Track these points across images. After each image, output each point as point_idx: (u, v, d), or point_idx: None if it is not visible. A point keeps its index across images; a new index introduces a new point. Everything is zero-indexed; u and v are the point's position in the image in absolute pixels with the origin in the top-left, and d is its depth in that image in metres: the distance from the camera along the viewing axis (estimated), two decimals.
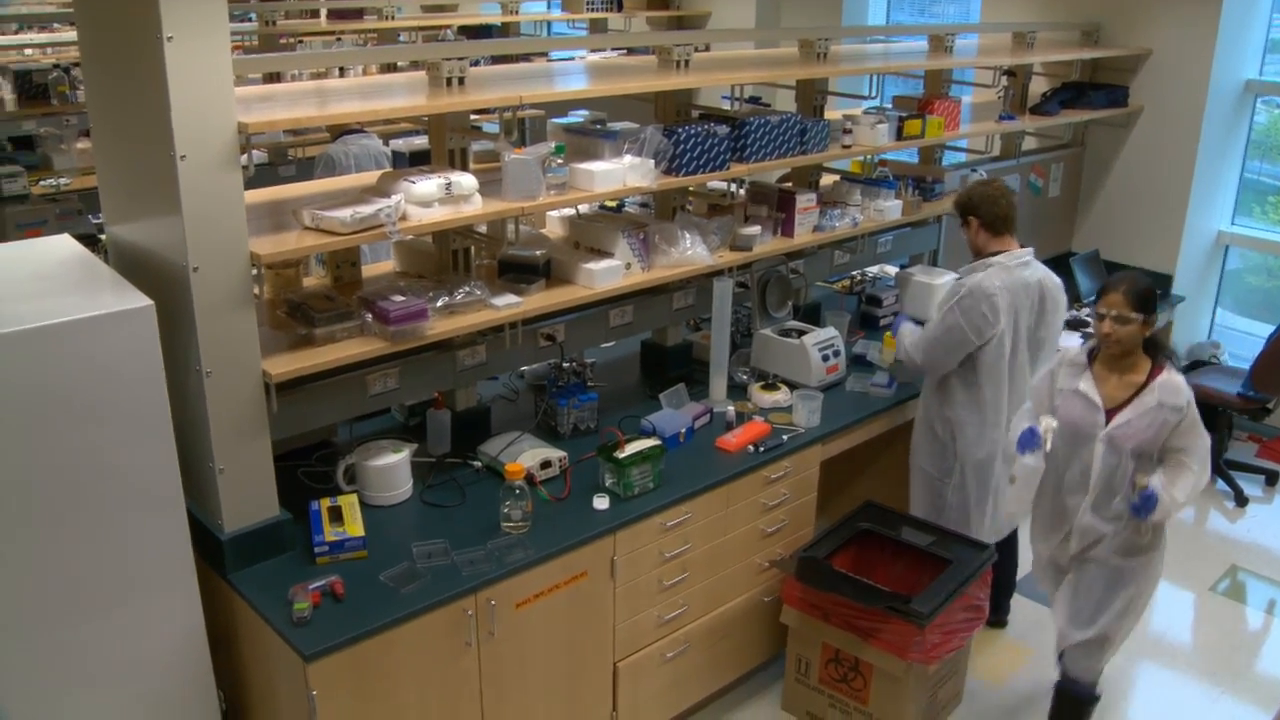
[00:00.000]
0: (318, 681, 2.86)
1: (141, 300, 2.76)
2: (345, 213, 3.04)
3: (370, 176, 3.64)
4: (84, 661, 2.89)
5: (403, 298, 3.24)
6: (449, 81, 3.42)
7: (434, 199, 3.23)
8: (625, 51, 5.22)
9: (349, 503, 3.31)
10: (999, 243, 4.10)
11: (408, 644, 3.03)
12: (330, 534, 3.17)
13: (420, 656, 3.08)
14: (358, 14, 7.76)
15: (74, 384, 2.69)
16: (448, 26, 7.59)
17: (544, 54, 6.99)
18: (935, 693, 4.00)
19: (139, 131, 2.96)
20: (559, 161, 3.53)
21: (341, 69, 6.23)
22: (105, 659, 2.92)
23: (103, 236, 3.62)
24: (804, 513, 4.19)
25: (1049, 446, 3.70)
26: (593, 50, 6.50)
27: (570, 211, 4.18)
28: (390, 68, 6.34)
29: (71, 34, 7.59)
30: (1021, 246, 4.13)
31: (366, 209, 3.06)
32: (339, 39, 7.32)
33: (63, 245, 3.26)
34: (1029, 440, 3.69)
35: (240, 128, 2.85)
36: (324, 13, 7.72)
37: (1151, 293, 3.58)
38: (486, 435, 3.84)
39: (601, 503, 3.50)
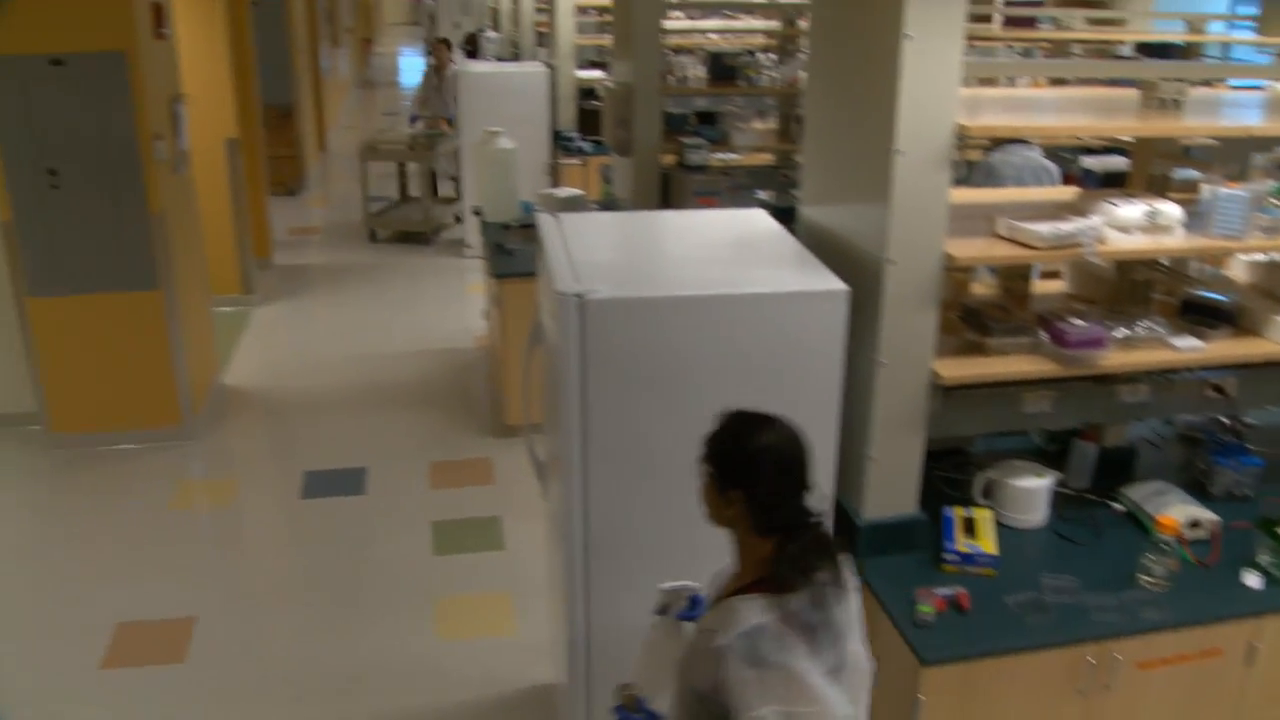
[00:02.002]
0: (928, 687, 2.85)
1: (838, 284, 2.87)
2: (1045, 227, 2.97)
3: (1057, 191, 3.55)
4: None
5: (1082, 322, 3.12)
6: (1163, 103, 3.24)
7: (1135, 225, 3.09)
8: None
9: (985, 517, 3.26)
10: None
11: (1021, 675, 2.93)
12: (962, 544, 3.14)
13: (1029, 691, 2.97)
14: (1029, 22, 7.61)
15: (763, 352, 2.86)
16: (1122, 41, 7.21)
17: (1221, 80, 6.47)
18: None
19: (857, 121, 3.07)
20: (1275, 202, 3.22)
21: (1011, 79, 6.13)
22: None
23: None
24: None
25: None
26: None
27: (1262, 256, 3.81)
28: (1058, 81, 6.18)
29: (752, 22, 8.14)
30: None
31: (1066, 226, 2.97)
32: (1010, 46, 7.21)
33: (760, 219, 3.49)
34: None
35: (959, 129, 2.86)
36: (998, 19, 7.65)
37: (757, 450, 2.13)
38: (1129, 478, 3.61)
39: (1253, 580, 3.16)
